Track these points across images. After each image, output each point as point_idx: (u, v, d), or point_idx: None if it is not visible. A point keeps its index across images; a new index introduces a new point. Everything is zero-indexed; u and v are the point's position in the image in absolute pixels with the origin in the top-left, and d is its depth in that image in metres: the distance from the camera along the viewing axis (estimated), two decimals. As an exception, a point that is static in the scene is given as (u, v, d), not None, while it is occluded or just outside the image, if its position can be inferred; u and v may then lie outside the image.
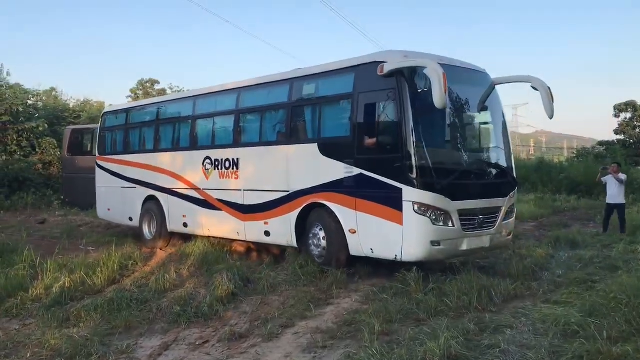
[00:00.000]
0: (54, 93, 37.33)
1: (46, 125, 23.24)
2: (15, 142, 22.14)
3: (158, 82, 41.00)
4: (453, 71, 7.92)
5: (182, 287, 7.85)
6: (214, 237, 11.09)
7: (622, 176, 13.14)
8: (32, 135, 22.75)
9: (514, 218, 9.04)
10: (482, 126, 8.99)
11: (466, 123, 8.75)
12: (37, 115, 24.50)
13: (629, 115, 33.98)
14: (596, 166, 23.57)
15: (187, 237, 11.77)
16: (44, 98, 31.65)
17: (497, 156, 8.95)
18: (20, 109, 21.70)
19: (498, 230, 8.41)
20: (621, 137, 33.79)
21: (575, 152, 36.72)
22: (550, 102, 8.52)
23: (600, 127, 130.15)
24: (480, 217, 8.07)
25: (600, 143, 34.65)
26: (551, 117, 8.59)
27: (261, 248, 10.70)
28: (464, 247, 7.95)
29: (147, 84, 40.79)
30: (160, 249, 11.50)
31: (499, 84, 9.07)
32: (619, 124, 34.14)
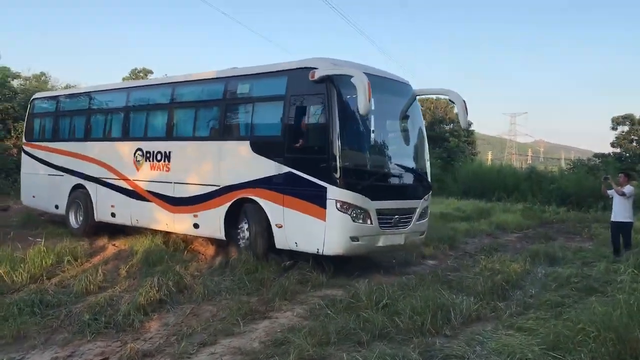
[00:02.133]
0: (43, 78, 36.43)
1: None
2: None
3: (152, 72, 40.06)
4: (378, 81, 8.53)
5: (108, 290, 7.08)
6: (145, 228, 11.19)
7: (627, 189, 10.85)
8: (7, 118, 21.89)
9: (427, 219, 9.73)
10: (402, 133, 9.75)
11: (388, 129, 9.54)
12: (17, 97, 23.69)
13: (626, 128, 33.26)
14: (588, 178, 22.77)
15: (121, 230, 11.74)
16: (34, 82, 30.86)
17: (415, 161, 9.64)
18: None
19: (412, 230, 9.09)
20: (617, 150, 33.03)
21: (570, 163, 35.99)
22: (465, 115, 9.42)
23: (599, 140, 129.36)
24: (397, 216, 8.74)
25: (596, 155, 33.76)
26: (465, 127, 9.90)
27: (222, 247, 10.22)
28: (381, 243, 8.60)
29: (141, 74, 39.94)
30: (114, 245, 10.91)
31: (420, 95, 9.92)
32: (615, 137, 33.45)
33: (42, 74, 36.51)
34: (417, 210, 9.18)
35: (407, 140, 9.75)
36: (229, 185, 9.40)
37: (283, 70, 9.02)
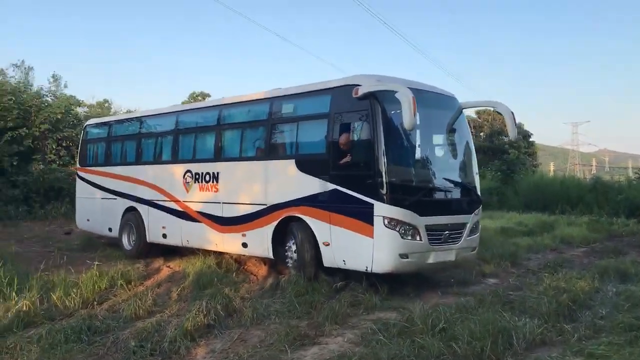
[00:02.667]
0: (106, 105, 37.73)
1: None
2: (54, 151, 21.96)
3: (209, 95, 41.11)
4: (423, 95, 8.46)
5: (157, 314, 6.98)
6: (199, 250, 11.27)
7: None
8: (71, 144, 22.60)
9: (478, 234, 9.43)
10: (449, 147, 9.59)
11: (434, 144, 9.42)
12: (81, 124, 24.48)
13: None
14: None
15: (175, 251, 11.90)
16: (98, 110, 31.92)
17: (463, 175, 9.44)
18: (59, 117, 21.45)
19: (463, 245, 8.86)
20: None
21: (639, 172, 34.25)
22: (514, 126, 9.14)
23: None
24: (447, 232, 8.54)
25: (668, 162, 32.05)
26: (514, 139, 10.06)
27: (274, 267, 10.19)
28: (431, 260, 8.40)
29: (199, 97, 40.96)
30: (168, 267, 10.99)
31: (466, 107, 9.73)
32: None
33: (105, 101, 37.96)
34: (468, 225, 8.94)
35: (454, 153, 9.61)
36: (276, 204, 9.42)
37: (326, 89, 9.04)
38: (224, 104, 11.14)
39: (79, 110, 26.57)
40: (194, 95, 41.25)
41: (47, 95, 23.01)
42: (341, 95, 8.63)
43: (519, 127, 45.16)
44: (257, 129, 10.24)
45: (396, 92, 7.77)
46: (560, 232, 16.41)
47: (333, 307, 7.14)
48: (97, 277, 8.53)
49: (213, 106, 11.41)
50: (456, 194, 9.10)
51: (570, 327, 6.37)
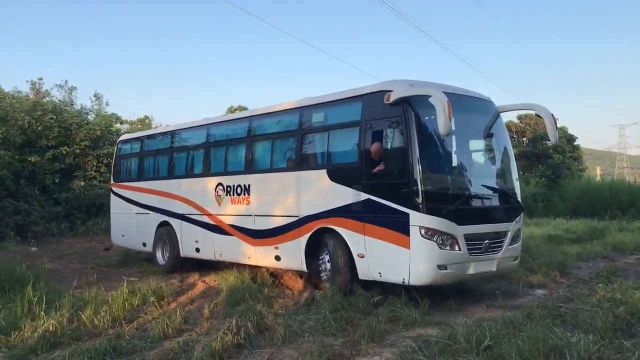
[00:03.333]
0: (147, 121, 38.26)
1: None
2: (94, 167, 22.24)
3: (247, 108, 41.40)
4: (458, 99, 8.21)
5: (187, 333, 6.70)
6: (242, 265, 11.07)
7: None
8: (111, 161, 22.83)
9: (520, 243, 9.11)
10: (487, 152, 9.32)
11: (471, 149, 9.16)
12: None
13: None
14: None
15: (210, 265, 11.78)
16: (139, 126, 32.33)
17: (503, 182, 9.16)
18: (99, 134, 21.73)
19: (505, 255, 8.55)
20: None
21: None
22: (554, 129, 8.78)
23: None
24: (487, 241, 8.23)
25: None
26: (555, 142, 9.22)
27: (311, 281, 9.78)
28: (471, 271, 8.11)
29: (237, 111, 41.27)
30: (204, 281, 10.86)
31: (504, 111, 9.41)
32: None
33: (146, 117, 38.48)
34: (509, 233, 8.62)
35: (492, 159, 9.34)
36: (308, 216, 9.22)
37: (357, 96, 8.81)
38: (254, 115, 11.05)
39: (119, 127, 26.97)
40: (232, 109, 41.51)
41: (88, 114, 23.39)
42: (373, 101, 8.42)
43: (563, 131, 43.95)
44: (288, 140, 10.09)
45: (430, 96, 7.57)
46: (611, 239, 15.64)
47: (370, 324, 6.71)
48: (128, 294, 8.30)
49: (243, 118, 11.38)
50: (496, 201, 8.79)
51: (630, 344, 5.83)
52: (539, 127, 42.52)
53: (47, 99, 23.48)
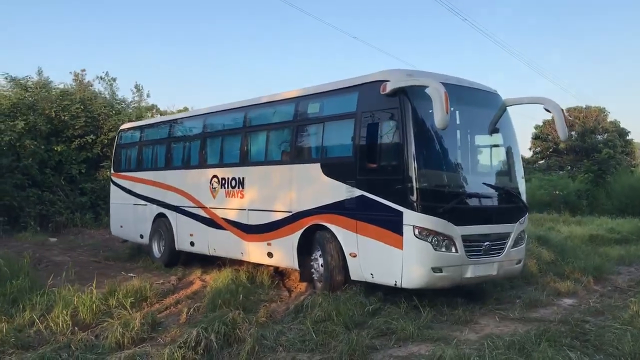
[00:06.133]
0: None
1: None
2: None
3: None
4: (460, 91, 7.96)
5: (146, 343, 6.03)
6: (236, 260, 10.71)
7: None
8: None
9: (524, 245, 8.69)
10: (491, 149, 8.91)
11: (473, 145, 8.72)
12: None
13: None
14: None
15: (217, 260, 11.18)
16: None
17: (507, 180, 8.72)
18: None
19: (506, 258, 8.14)
20: None
21: None
22: (564, 124, 8.36)
23: None
24: (487, 243, 7.81)
25: None
26: (564, 139, 8.52)
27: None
28: (469, 274, 7.68)
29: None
30: (202, 280, 10.29)
31: (511, 105, 8.94)
32: None
33: (185, 108, 38.24)
34: (512, 235, 8.18)
35: (496, 156, 8.92)
36: (301, 211, 8.84)
37: (353, 86, 8.45)
38: (250, 105, 10.64)
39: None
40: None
41: (121, 104, 23.23)
42: (369, 92, 8.00)
43: (615, 125, 41.78)
44: (283, 131, 9.74)
45: (427, 87, 7.11)
46: (660, 241, 14.31)
47: (351, 340, 5.84)
48: (97, 296, 7.51)
49: (239, 108, 10.88)
50: (498, 201, 8.39)
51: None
52: (589, 120, 40.50)
53: (92, 89, 23.43)
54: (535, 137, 43.46)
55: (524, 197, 8.69)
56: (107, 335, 6.14)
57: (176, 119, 13.04)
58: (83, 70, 23.59)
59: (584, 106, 43.18)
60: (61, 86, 21.67)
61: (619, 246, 14.13)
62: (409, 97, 7.47)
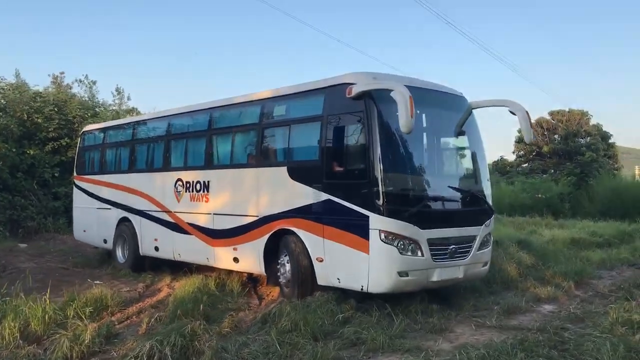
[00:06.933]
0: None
1: None
2: None
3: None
4: (426, 94, 7.99)
5: (101, 356, 5.60)
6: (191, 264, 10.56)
7: None
8: None
9: (490, 248, 8.65)
10: (457, 152, 8.94)
11: (439, 148, 8.78)
12: None
13: None
14: None
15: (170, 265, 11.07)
16: None
17: (472, 183, 8.69)
18: None
19: (473, 261, 8.11)
20: None
21: None
22: (529, 127, 8.36)
23: None
24: (453, 246, 7.79)
25: None
26: (529, 141, 8.47)
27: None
28: (435, 278, 7.63)
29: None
30: (171, 287, 9.89)
31: (476, 107, 8.90)
32: None
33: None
34: (477, 238, 8.13)
35: (462, 158, 8.94)
36: (268, 216, 8.70)
37: (320, 89, 8.34)
38: (215, 107, 10.39)
39: None
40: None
41: (106, 109, 22.83)
42: (335, 95, 7.90)
43: (597, 128, 41.82)
44: (248, 134, 9.56)
45: (392, 90, 7.05)
46: (641, 244, 14.11)
47: (315, 353, 5.52)
48: (50, 306, 7.07)
49: (204, 109, 10.66)
50: (463, 203, 8.38)
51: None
52: (571, 124, 40.56)
53: (69, 91, 22.98)
54: (519, 141, 43.37)
55: (489, 200, 8.66)
56: (53, 349, 5.72)
57: (139, 121, 12.81)
58: (62, 73, 23.12)
59: (567, 109, 43.27)
60: (36, 88, 21.23)
61: (601, 250, 13.94)
62: (375, 100, 7.38)
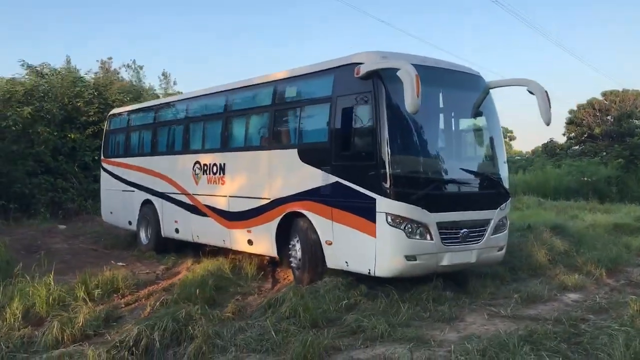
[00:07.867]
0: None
1: None
2: None
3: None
4: (438, 73, 7.85)
5: (91, 340, 5.68)
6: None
7: None
8: None
9: (506, 232, 8.36)
10: (471, 133, 8.79)
11: (452, 129, 8.55)
12: None
13: None
14: None
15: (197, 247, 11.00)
16: None
17: (487, 166, 8.48)
18: None
19: (486, 245, 7.88)
20: None
21: None
22: (547, 107, 7.96)
23: None
24: (464, 230, 7.59)
25: None
26: (548, 123, 7.98)
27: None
28: (445, 262, 7.45)
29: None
30: (187, 269, 9.80)
31: (494, 87, 8.67)
32: None
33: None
34: (492, 221, 7.92)
35: (476, 140, 8.77)
36: (279, 198, 8.68)
37: (330, 69, 8.22)
38: (230, 89, 10.39)
39: None
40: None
41: (147, 93, 23.28)
42: (344, 75, 7.78)
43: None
44: (261, 116, 9.49)
45: (399, 69, 6.81)
46: (691, 230, 13.28)
47: (305, 342, 5.26)
48: (55, 288, 7.04)
49: (220, 92, 10.69)
50: (477, 186, 8.14)
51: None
52: (625, 104, 38.77)
53: (119, 77, 23.50)
54: (570, 122, 41.84)
55: (505, 183, 8.40)
56: (44, 332, 5.73)
57: (161, 104, 12.91)
58: (110, 58, 23.69)
59: (621, 89, 41.40)
60: (86, 75, 21.72)
61: (644, 236, 13.15)
62: (383, 80, 7.20)
